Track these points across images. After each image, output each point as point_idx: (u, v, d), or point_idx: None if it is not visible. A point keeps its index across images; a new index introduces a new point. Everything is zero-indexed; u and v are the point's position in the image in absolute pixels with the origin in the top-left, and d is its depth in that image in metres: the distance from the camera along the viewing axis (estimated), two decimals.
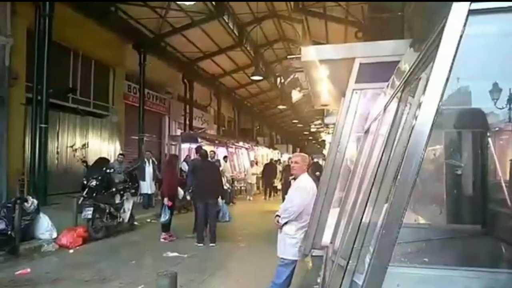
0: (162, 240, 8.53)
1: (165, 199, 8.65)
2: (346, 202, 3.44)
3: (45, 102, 10.67)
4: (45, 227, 7.63)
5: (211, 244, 8.23)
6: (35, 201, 7.79)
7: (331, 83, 4.54)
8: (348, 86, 3.79)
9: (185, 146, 18.11)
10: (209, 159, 10.04)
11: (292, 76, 13.08)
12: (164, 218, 8.62)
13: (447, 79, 1.27)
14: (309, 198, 4.60)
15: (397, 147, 1.73)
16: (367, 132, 3.56)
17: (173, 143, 18.72)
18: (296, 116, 36.82)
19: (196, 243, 8.24)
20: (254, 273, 6.23)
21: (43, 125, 10.64)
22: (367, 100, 3.82)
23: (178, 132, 20.55)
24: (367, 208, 2.09)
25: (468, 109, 2.87)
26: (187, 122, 21.33)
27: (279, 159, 27.78)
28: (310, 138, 49.30)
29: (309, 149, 40.61)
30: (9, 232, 6.76)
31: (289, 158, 22.80)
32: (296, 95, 12.57)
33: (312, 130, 35.82)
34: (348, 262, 2.13)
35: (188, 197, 10.05)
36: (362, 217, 2.14)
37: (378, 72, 3.41)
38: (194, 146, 16.70)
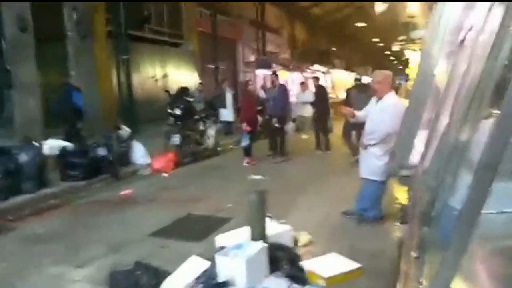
0: (245, 164, 8.89)
1: (244, 124, 8.87)
2: (436, 122, 3.20)
3: (124, 33, 10.94)
4: (139, 153, 8.30)
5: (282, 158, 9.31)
6: (128, 129, 8.48)
7: None
8: None
9: (259, 72, 17.95)
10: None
11: None
12: (244, 142, 8.94)
13: None
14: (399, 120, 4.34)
15: (501, 57, 1.49)
16: (462, 42, 3.16)
17: (248, 69, 18.65)
18: (376, 35, 34.16)
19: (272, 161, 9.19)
20: (339, 190, 6.34)
21: (125, 56, 11.05)
22: (464, 5, 3.34)
23: (252, 58, 20.34)
24: (462, 127, 1.91)
25: None
26: (260, 47, 20.94)
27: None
28: (392, 58, 46.01)
29: (391, 70, 38.14)
30: (110, 158, 7.49)
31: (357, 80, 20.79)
32: (379, 7, 11.42)
33: (394, 49, 33.12)
34: (437, 183, 2.03)
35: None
36: (455, 137, 1.98)
37: None
38: (268, 72, 16.51)
